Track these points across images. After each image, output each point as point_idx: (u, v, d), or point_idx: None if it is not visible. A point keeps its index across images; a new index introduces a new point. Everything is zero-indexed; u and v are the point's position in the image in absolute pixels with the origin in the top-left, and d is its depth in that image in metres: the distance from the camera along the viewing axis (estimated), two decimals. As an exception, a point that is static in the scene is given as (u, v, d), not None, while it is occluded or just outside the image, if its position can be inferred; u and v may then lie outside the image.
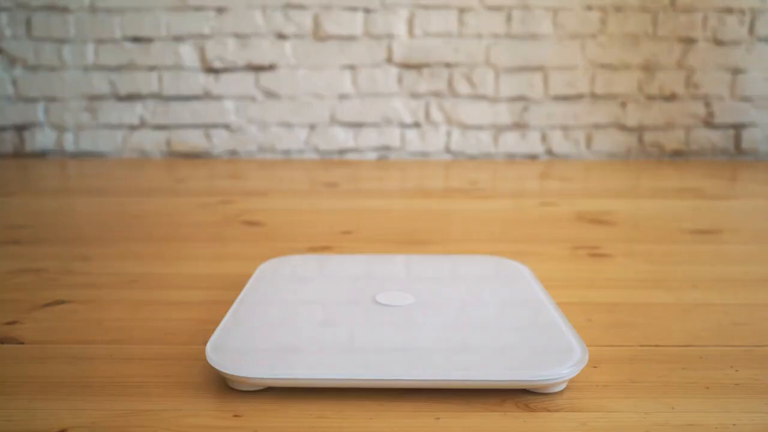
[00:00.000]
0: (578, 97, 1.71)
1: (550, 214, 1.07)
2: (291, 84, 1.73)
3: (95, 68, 1.71)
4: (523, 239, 0.91)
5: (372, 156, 1.76)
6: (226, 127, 1.74)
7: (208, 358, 0.46)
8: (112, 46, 1.69)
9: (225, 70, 1.71)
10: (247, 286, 0.61)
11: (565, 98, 1.71)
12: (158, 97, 1.72)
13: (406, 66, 1.71)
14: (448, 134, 1.76)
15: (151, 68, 1.71)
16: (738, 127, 1.74)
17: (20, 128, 1.74)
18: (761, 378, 0.48)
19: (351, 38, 1.70)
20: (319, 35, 1.70)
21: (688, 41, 1.68)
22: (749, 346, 0.54)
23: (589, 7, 1.66)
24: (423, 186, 1.34)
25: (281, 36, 1.70)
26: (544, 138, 1.75)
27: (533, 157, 1.76)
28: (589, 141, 1.74)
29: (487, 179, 1.43)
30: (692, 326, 0.58)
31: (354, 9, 1.69)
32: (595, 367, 0.50)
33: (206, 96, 1.72)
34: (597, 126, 1.73)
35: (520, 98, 1.72)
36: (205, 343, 0.53)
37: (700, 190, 1.30)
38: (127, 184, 1.34)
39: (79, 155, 1.75)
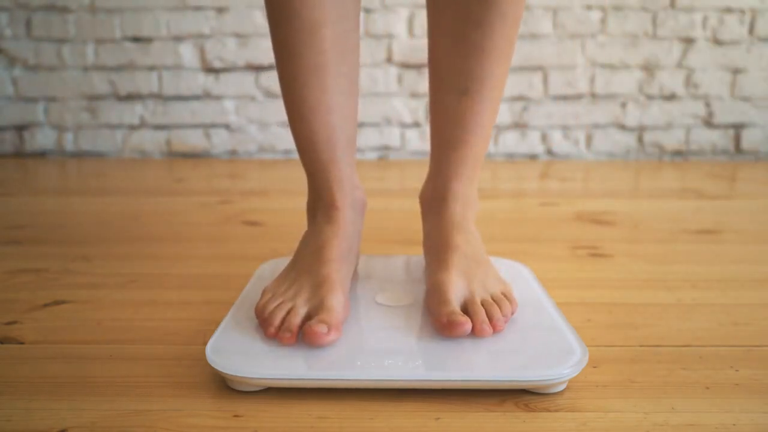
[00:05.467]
0: (578, 96, 1.71)
1: (550, 214, 1.07)
2: (291, 84, 1.73)
3: (95, 68, 1.71)
4: (523, 239, 0.91)
5: (372, 156, 1.76)
6: (226, 127, 1.74)
7: (208, 359, 0.46)
8: (112, 46, 1.69)
9: (225, 69, 1.71)
10: (247, 286, 0.61)
11: (564, 98, 1.71)
12: (158, 97, 1.72)
13: (406, 66, 1.71)
14: (448, 134, 1.75)
15: (151, 68, 1.71)
16: (738, 127, 1.74)
17: (20, 128, 1.74)
18: (761, 378, 0.48)
19: (351, 38, 1.70)
20: (319, 35, 1.70)
21: (688, 41, 1.68)
22: (749, 346, 0.54)
23: (589, 7, 1.66)
24: (423, 186, 1.34)
25: (281, 36, 1.70)
26: (544, 138, 1.75)
27: (533, 157, 1.76)
28: (588, 141, 1.74)
29: (487, 179, 1.43)
30: (692, 326, 0.58)
31: (354, 9, 1.69)
32: (595, 367, 0.50)
33: (206, 96, 1.72)
34: (597, 126, 1.73)
35: (520, 98, 1.72)
36: (205, 343, 0.53)
37: (700, 190, 1.30)
38: (127, 184, 1.34)
39: (79, 155, 1.75)
